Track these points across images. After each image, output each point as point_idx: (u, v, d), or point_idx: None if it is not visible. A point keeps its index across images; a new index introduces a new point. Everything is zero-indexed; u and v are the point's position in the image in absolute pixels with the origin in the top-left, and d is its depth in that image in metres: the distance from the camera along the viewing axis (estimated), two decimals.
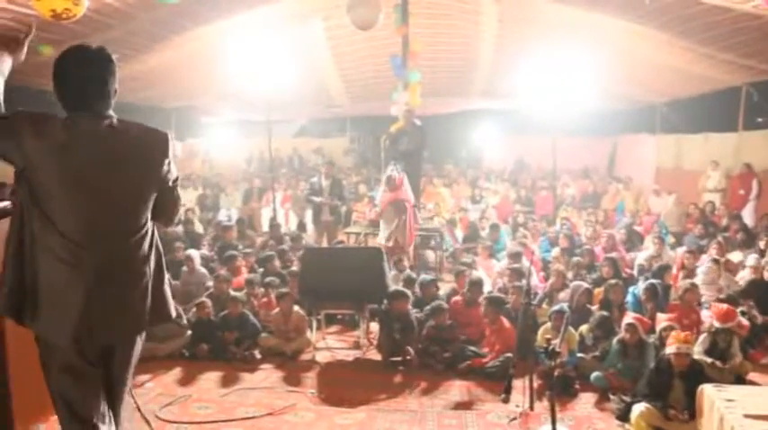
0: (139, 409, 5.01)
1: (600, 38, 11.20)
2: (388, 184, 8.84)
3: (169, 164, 2.93)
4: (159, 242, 3.04)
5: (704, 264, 7.87)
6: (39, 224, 2.68)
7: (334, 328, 7.49)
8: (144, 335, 3.09)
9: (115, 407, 3.06)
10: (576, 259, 8.45)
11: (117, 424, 3.05)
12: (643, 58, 11.91)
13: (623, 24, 9.64)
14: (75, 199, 2.70)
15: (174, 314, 3.11)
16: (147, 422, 4.81)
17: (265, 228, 12.58)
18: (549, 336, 4.74)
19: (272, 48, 10.71)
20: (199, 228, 11.63)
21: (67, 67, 2.77)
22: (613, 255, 8.09)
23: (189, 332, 6.81)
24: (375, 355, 6.53)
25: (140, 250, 2.86)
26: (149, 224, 2.93)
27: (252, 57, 10.68)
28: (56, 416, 4.78)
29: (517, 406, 5.00)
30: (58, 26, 8.82)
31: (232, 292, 7.36)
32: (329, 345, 6.94)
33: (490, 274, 8.67)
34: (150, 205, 2.90)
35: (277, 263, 8.58)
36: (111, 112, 2.83)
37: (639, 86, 14.64)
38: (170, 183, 2.97)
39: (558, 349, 4.40)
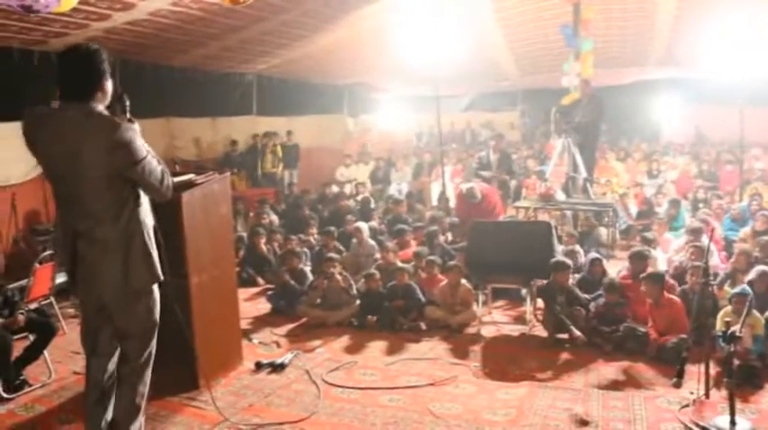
0: (308, 372, 5.31)
1: None
2: None
3: (122, 148, 3.19)
4: (141, 216, 3.39)
5: None
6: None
7: (499, 303, 7.43)
8: (145, 297, 3.48)
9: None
10: (764, 238, 7.80)
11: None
12: None
13: None
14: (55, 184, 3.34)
15: (146, 283, 3.44)
16: (315, 384, 5.08)
17: (434, 202, 12.70)
18: (728, 319, 4.43)
19: (441, 22, 10.72)
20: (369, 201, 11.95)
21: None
22: None
23: (358, 302, 7.05)
24: (541, 332, 6.41)
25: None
26: (124, 202, 3.32)
27: (421, 31, 10.75)
28: (234, 372, 5.23)
29: (692, 393, 4.71)
30: (237, 12, 9.36)
31: (399, 263, 7.51)
32: (495, 320, 6.93)
33: (666, 251, 8.26)
34: (115, 186, 3.26)
35: (443, 237, 8.64)
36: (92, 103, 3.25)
37: None
38: (133, 166, 3.24)
39: (738, 334, 4.10)
